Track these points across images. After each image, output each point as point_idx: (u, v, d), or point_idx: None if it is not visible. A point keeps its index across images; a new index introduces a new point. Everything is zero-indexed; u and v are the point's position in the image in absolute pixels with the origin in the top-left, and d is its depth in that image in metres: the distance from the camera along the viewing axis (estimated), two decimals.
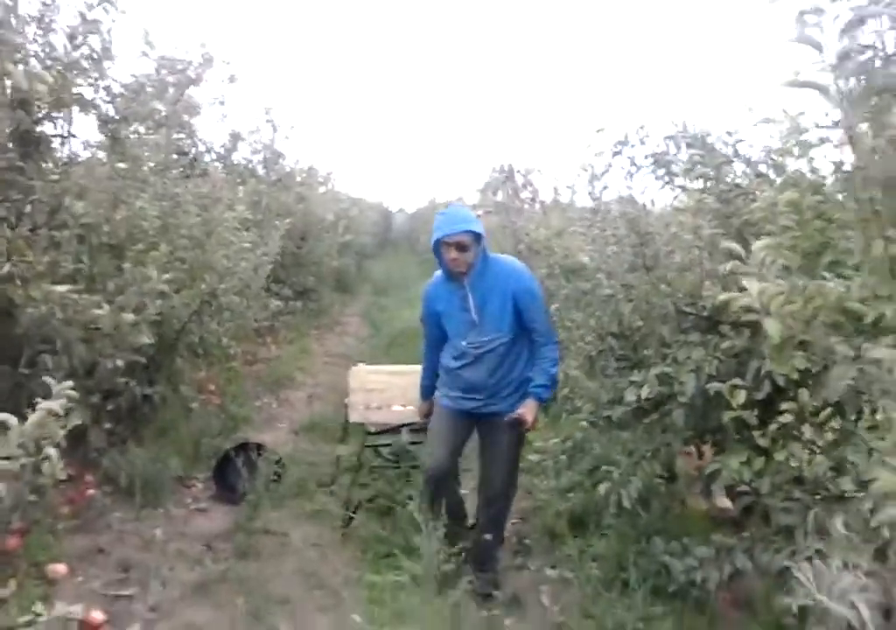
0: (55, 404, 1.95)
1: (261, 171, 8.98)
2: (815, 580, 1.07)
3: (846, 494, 2.12)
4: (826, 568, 1.08)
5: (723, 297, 1.60)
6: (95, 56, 3.67)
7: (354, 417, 3.88)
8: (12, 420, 1.95)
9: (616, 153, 2.70)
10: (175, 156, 5.32)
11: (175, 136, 5.55)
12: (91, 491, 3.71)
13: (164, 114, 5.00)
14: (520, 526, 3.76)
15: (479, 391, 3.07)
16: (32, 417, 1.95)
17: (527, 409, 2.98)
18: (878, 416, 1.85)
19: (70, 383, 2.02)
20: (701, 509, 3.46)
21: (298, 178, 10.07)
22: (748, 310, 1.43)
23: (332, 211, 11.34)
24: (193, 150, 6.97)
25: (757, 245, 1.52)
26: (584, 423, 3.39)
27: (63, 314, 2.74)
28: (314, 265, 9.67)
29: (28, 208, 3.47)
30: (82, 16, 2.95)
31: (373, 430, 3.87)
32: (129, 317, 3.02)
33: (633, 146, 2.64)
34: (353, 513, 3.70)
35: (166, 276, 3.27)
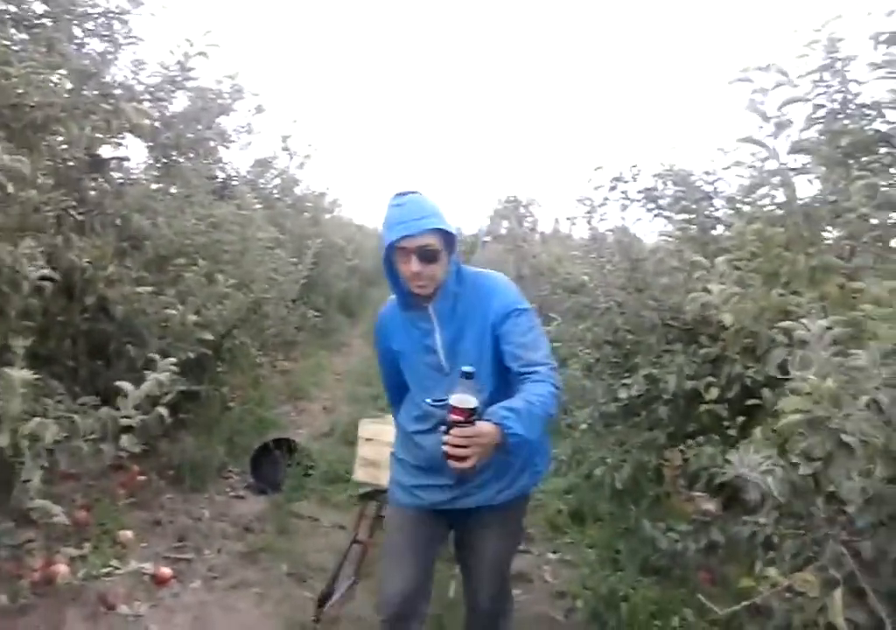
0: (162, 376, 2.44)
1: (277, 195, 9.54)
2: (740, 462, 1.55)
3: None
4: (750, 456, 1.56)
5: (691, 295, 2.10)
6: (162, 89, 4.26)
7: (361, 476, 3.37)
8: (129, 386, 2.44)
9: (612, 188, 3.22)
10: (207, 180, 5.87)
11: (204, 161, 6.11)
12: (141, 476, 4.18)
13: (207, 141, 5.58)
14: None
15: (448, 475, 1.95)
16: (144, 385, 2.43)
17: (478, 435, 1.72)
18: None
19: (173, 359, 2.51)
20: (685, 511, 3.93)
21: (309, 203, 10.64)
22: (709, 307, 1.93)
23: (340, 235, 11.91)
24: (223, 176, 7.51)
25: (719, 259, 2.03)
26: (584, 426, 3.86)
27: (143, 313, 3.23)
28: (324, 286, 10.18)
29: (97, 222, 4.00)
30: (181, 64, 3.49)
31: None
32: (193, 317, 3.51)
33: (626, 182, 3.17)
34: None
35: (232, 281, 3.75)
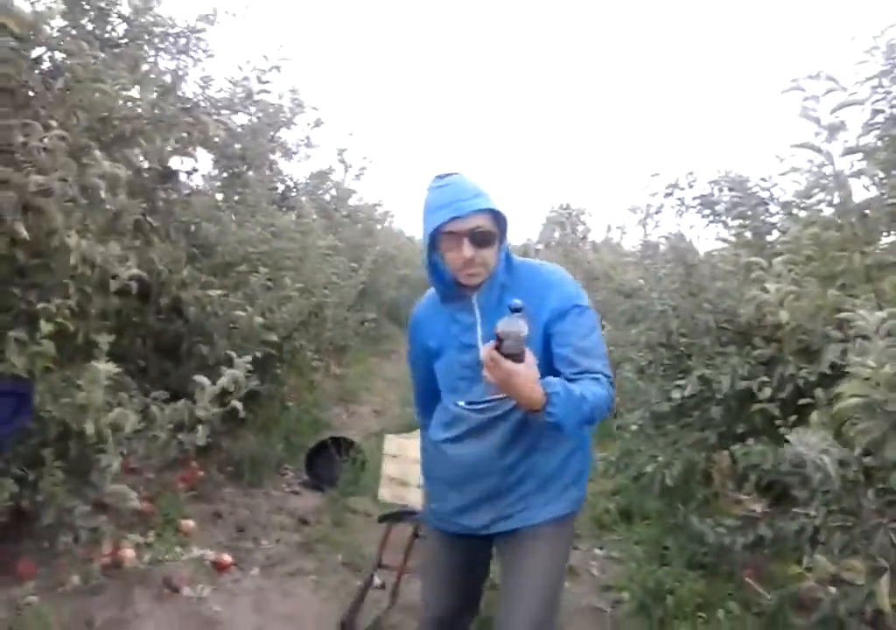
0: (238, 371, 2.59)
1: (333, 206, 9.80)
2: (798, 442, 1.61)
3: None
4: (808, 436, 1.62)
5: (748, 295, 2.16)
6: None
7: (385, 496, 3.27)
8: (206, 381, 2.59)
9: (667, 194, 3.28)
10: (269, 191, 6.10)
11: (267, 173, 6.35)
12: (201, 472, 4.37)
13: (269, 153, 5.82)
14: None
15: (483, 490, 1.85)
16: (220, 380, 2.59)
17: (510, 375, 1.51)
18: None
19: (248, 357, 2.66)
20: (733, 512, 3.94)
21: (363, 214, 10.88)
22: (764, 307, 1.99)
23: (391, 246, 12.14)
24: (282, 187, 7.77)
25: (776, 260, 2.09)
26: (634, 428, 3.90)
27: (216, 314, 3.41)
28: (376, 295, 10.39)
29: (171, 229, 4.22)
30: (258, 78, 3.69)
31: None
32: (259, 319, 3.68)
33: (682, 189, 3.22)
34: None
35: (299, 285, 3.92)
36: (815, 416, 1.99)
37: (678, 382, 3.08)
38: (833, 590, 1.63)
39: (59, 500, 2.70)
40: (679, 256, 3.45)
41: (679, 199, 3.23)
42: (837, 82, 1.62)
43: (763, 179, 3.01)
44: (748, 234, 3.06)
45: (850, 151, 1.78)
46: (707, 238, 3.46)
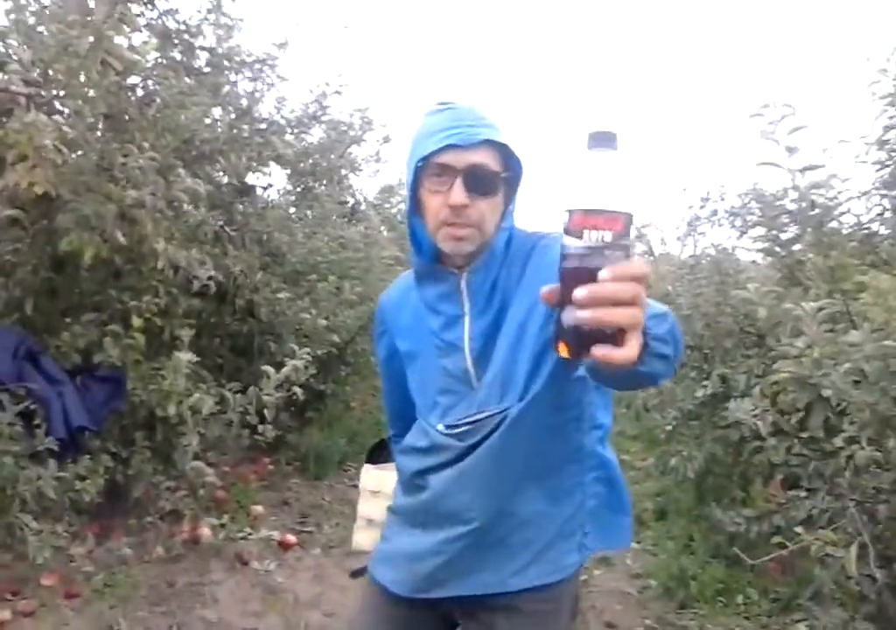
0: (299, 362, 2.91)
1: (400, 219, 10.22)
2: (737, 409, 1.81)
3: None
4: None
5: (733, 292, 2.34)
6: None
7: (362, 542, 2.49)
8: (271, 370, 2.93)
9: (701, 207, 3.45)
10: (339, 204, 6.51)
11: (337, 187, 6.76)
12: (270, 466, 4.74)
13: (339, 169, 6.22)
14: None
15: (459, 540, 1.32)
16: (284, 369, 2.92)
17: (640, 275, 0.72)
18: None
19: (307, 349, 2.99)
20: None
21: None
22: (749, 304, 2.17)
23: None
24: (352, 201, 8.21)
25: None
26: (669, 428, 4.07)
27: (283, 314, 3.78)
28: None
29: (246, 238, 4.64)
30: (319, 102, 4.07)
31: None
32: (324, 321, 4.02)
33: (715, 201, 3.40)
34: None
35: (358, 289, 4.26)
36: (756, 390, 2.19)
37: (704, 383, 3.25)
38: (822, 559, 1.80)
39: (147, 475, 3.08)
40: (716, 267, 3.61)
41: (713, 210, 3.39)
42: (793, 108, 1.81)
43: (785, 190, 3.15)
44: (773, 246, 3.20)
45: (809, 168, 1.96)
46: (742, 248, 3.60)
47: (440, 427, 1.33)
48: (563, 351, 0.77)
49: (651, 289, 6.02)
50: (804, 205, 2.03)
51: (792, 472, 2.27)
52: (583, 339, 0.73)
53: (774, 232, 3.13)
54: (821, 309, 1.66)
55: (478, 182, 1.19)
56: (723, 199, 3.32)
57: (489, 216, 1.23)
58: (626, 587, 3.36)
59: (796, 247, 3.14)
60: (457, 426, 1.31)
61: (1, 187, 2.33)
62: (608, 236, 0.72)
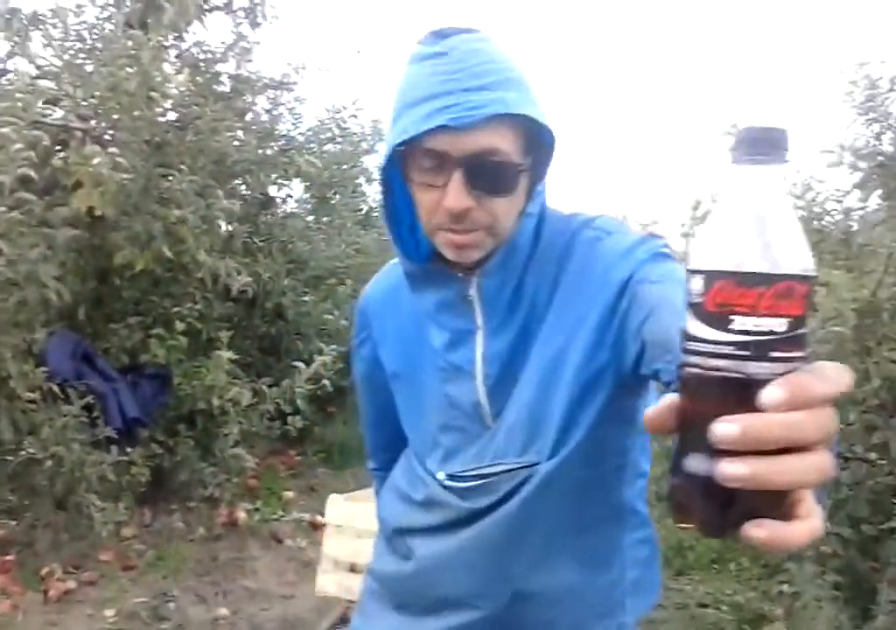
0: (326, 358, 3.28)
1: None
2: None
3: None
4: None
5: None
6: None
7: (327, 586, 2.36)
8: (302, 365, 3.30)
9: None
10: (354, 212, 6.88)
11: (352, 196, 7.13)
12: (297, 457, 5.12)
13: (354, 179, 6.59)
14: None
15: (455, 609, 1.01)
16: (313, 365, 3.29)
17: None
18: None
19: (334, 346, 3.35)
20: None
21: None
22: None
23: None
24: (366, 208, 8.58)
25: None
26: None
27: (308, 314, 4.16)
28: None
29: (273, 247, 5.02)
30: (339, 125, 4.44)
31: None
32: (345, 322, 4.39)
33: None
34: None
35: None
36: None
37: None
38: None
39: (191, 462, 3.46)
40: None
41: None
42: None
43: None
44: None
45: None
46: None
47: (441, 476, 1.01)
48: (682, 519, 0.46)
49: None
50: None
51: None
52: (727, 507, 0.43)
53: None
54: None
55: (485, 177, 0.84)
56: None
57: (504, 215, 0.88)
58: None
59: None
60: (462, 478, 0.99)
61: (68, 212, 2.70)
62: (782, 325, 0.42)
